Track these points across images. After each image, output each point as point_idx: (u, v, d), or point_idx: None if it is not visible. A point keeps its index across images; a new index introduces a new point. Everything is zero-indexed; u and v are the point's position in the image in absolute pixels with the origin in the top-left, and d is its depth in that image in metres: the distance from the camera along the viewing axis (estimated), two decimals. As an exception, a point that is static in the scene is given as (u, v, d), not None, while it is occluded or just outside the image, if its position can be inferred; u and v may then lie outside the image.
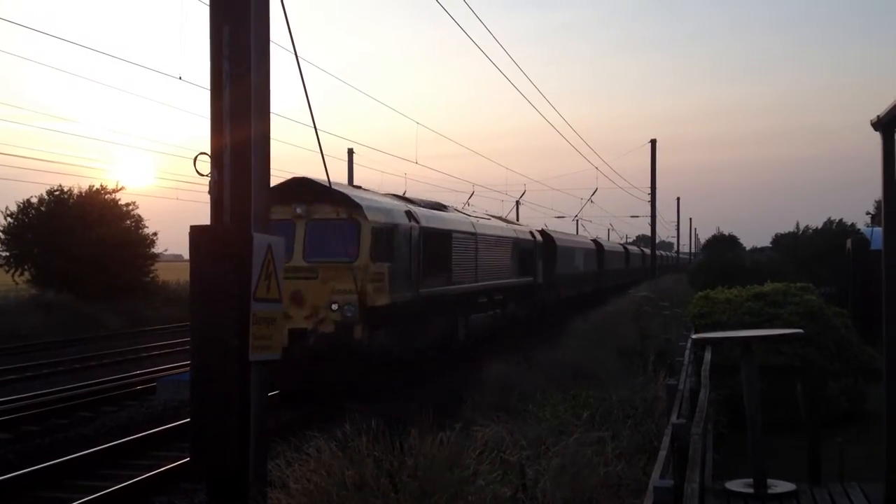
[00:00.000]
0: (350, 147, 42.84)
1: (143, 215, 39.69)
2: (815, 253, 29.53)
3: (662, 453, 5.19)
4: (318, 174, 16.31)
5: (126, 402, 16.65)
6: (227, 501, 6.07)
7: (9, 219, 36.84)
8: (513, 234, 27.50)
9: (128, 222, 39.03)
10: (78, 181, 51.16)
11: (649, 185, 51.29)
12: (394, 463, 6.84)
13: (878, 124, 6.76)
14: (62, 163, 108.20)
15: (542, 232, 34.26)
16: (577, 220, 64.38)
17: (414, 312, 17.19)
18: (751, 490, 8.79)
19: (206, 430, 6.05)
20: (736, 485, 8.96)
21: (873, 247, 20.69)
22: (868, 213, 45.95)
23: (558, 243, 35.13)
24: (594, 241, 51.41)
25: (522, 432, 8.43)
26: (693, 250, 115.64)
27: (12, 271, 36.79)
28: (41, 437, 13.45)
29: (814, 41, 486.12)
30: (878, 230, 13.86)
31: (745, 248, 57.79)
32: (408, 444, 7.23)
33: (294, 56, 6.47)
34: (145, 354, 24.65)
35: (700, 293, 16.87)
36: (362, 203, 15.59)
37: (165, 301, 38.99)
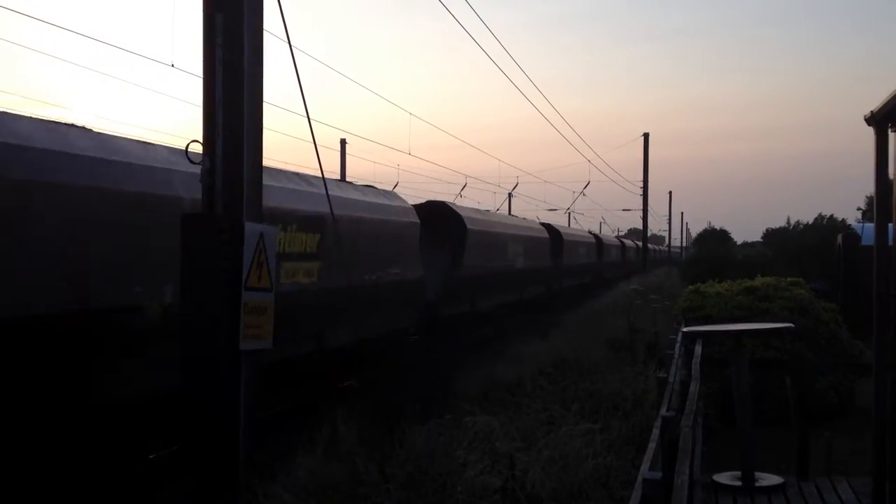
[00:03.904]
0: (343, 137, 42.63)
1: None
2: (806, 248, 29.58)
3: (652, 445, 5.20)
4: (310, 163, 16.05)
5: None
6: (216, 491, 6.05)
7: None
8: None
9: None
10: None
11: (641, 179, 51.47)
12: (384, 453, 6.86)
13: (872, 120, 6.77)
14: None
15: None
16: (570, 213, 64.26)
17: None
18: (739, 483, 8.82)
19: (195, 420, 6.04)
20: (724, 477, 8.99)
21: (864, 242, 20.76)
22: (859, 209, 46.13)
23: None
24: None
25: (513, 423, 8.46)
26: (684, 244, 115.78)
27: None
28: None
29: (808, 36, 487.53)
30: (870, 226, 13.89)
31: (736, 242, 57.77)
32: (398, 434, 7.24)
33: (288, 46, 6.44)
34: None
35: (691, 287, 16.90)
36: None
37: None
